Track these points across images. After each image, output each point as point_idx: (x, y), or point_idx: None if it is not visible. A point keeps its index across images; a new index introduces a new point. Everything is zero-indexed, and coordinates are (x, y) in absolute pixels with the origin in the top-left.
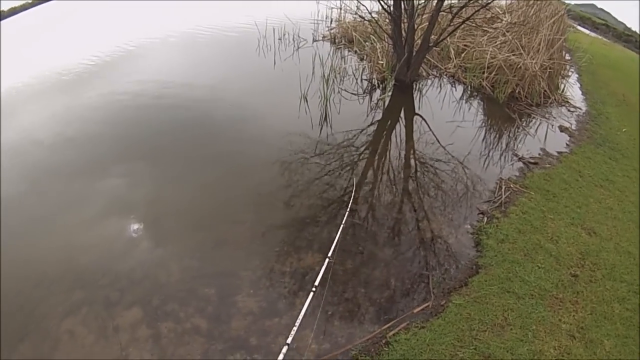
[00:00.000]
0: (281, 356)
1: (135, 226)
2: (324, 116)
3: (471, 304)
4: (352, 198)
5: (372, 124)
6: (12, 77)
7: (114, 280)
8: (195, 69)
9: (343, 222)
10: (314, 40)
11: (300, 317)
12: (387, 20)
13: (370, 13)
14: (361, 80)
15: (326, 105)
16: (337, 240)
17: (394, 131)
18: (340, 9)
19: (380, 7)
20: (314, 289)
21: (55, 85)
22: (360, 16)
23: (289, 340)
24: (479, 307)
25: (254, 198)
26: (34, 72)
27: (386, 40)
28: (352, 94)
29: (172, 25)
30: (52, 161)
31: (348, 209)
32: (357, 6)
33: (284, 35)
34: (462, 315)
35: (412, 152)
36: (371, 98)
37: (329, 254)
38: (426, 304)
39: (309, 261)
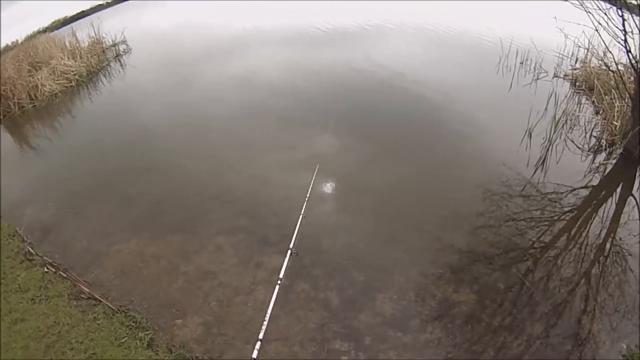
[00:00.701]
0: (255, 352)
1: (324, 188)
2: (542, 159)
3: None
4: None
5: (585, 187)
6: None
7: (281, 225)
8: (428, 67)
9: (301, 214)
10: (555, 76)
11: (269, 311)
12: (632, 78)
13: (616, 64)
14: (590, 135)
15: (548, 149)
16: (298, 231)
17: (603, 204)
18: (588, 50)
19: (628, 61)
20: (279, 281)
21: (287, 40)
22: (605, 64)
23: (260, 336)
24: None
25: (444, 212)
26: (266, 26)
27: (627, 100)
28: (577, 147)
29: (407, 16)
30: (272, 103)
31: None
32: (604, 52)
33: (526, 60)
34: None
35: (611, 235)
36: (594, 159)
37: (291, 246)
38: None
39: (462, 297)
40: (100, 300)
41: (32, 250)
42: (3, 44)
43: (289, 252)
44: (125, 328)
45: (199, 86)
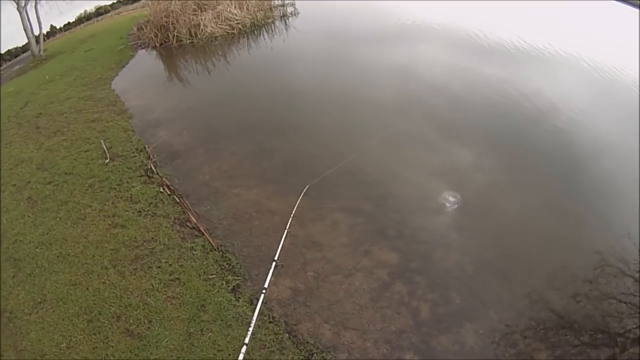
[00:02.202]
0: (241, 355)
1: (450, 199)
2: None
3: None
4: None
5: None
6: None
7: (402, 222)
8: (588, 109)
9: (288, 227)
10: None
11: (255, 316)
12: None
13: None
14: None
15: None
16: (282, 244)
17: None
18: None
19: None
20: (264, 290)
21: (451, 41)
22: None
23: (246, 340)
24: None
25: (556, 265)
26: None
27: None
28: None
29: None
30: (423, 100)
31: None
32: None
33: None
34: None
35: None
36: None
37: (276, 257)
38: None
39: (542, 357)
40: (203, 233)
41: (154, 169)
42: None
43: (274, 263)
44: (217, 266)
45: (355, 65)
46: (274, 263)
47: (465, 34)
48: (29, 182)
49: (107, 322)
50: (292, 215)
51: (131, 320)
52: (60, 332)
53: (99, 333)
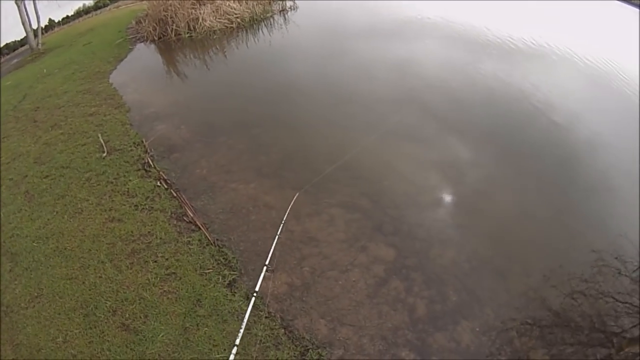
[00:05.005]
0: (232, 357)
1: (451, 197)
2: None
3: None
4: None
5: None
6: None
7: (399, 218)
8: (590, 107)
9: (278, 234)
10: None
11: (245, 319)
12: None
13: None
14: None
15: None
16: (273, 250)
17: None
18: None
19: None
20: (255, 294)
21: (449, 37)
22: None
23: (237, 341)
24: None
25: (553, 264)
26: None
27: None
28: None
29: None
30: (420, 95)
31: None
32: None
33: None
34: None
35: None
36: None
37: (267, 262)
38: None
39: (537, 357)
40: (200, 228)
41: (151, 163)
42: None
43: (265, 268)
44: (213, 261)
45: (353, 60)
46: (264, 267)
47: (463, 28)
48: (26, 176)
49: (103, 316)
50: (283, 222)
51: (127, 315)
52: (57, 326)
53: (95, 327)
